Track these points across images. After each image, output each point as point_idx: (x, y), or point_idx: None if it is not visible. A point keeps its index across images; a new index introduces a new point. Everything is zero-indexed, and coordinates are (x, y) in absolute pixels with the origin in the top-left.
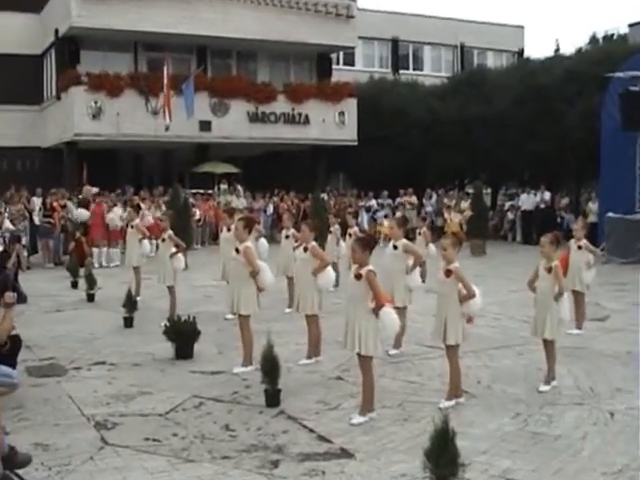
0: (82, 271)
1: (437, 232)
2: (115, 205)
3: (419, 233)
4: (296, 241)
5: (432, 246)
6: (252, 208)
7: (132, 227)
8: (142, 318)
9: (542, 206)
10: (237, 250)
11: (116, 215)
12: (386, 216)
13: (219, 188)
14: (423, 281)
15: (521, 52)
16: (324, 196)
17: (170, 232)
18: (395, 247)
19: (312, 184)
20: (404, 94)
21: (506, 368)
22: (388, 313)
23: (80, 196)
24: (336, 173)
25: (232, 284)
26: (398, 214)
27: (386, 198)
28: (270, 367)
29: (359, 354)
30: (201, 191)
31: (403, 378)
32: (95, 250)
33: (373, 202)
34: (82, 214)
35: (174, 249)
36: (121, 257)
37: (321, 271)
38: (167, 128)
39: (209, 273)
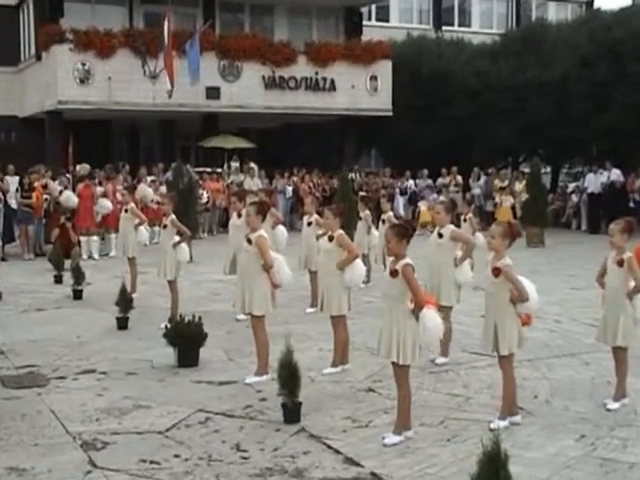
0: (68, 263)
1: (486, 219)
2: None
3: (464, 220)
4: (320, 229)
5: (480, 235)
6: (268, 190)
7: (126, 211)
8: (138, 319)
9: (613, 187)
10: (249, 240)
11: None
12: (422, 198)
13: (229, 166)
14: None
15: (590, 2)
16: (353, 176)
17: (172, 217)
18: (441, 235)
19: (339, 162)
20: (448, 55)
21: (569, 380)
22: (430, 315)
23: (68, 175)
24: (367, 149)
25: (243, 279)
26: (441, 197)
27: (426, 178)
28: (289, 377)
29: (394, 363)
30: (208, 169)
31: (446, 391)
32: (83, 239)
33: (410, 183)
34: (70, 198)
35: (177, 237)
36: (108, 246)
37: (349, 264)
38: (170, 94)
39: (217, 266)
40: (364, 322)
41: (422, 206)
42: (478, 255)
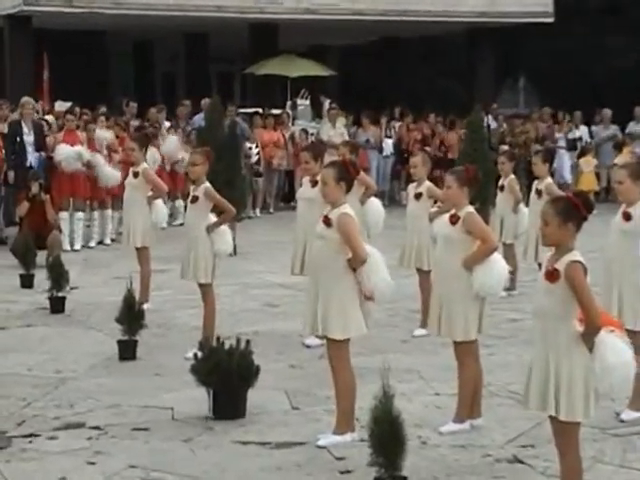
0: (42, 256)
1: None
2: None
3: None
4: (436, 204)
5: None
6: (355, 143)
7: (135, 176)
8: (152, 343)
9: None
10: (326, 220)
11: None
12: (583, 152)
13: (295, 105)
14: None
15: None
16: (489, 120)
17: (206, 186)
18: (627, 217)
19: (467, 98)
20: None
21: None
22: (611, 344)
23: (47, 117)
24: (512, 77)
25: (318, 283)
26: (628, 157)
27: (608, 123)
28: (387, 437)
29: (554, 418)
30: (260, 110)
31: None
32: (64, 215)
33: (582, 131)
34: (66, 153)
35: (213, 217)
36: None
37: (482, 261)
38: None
39: (278, 262)
40: (506, 352)
41: (585, 167)
42: None
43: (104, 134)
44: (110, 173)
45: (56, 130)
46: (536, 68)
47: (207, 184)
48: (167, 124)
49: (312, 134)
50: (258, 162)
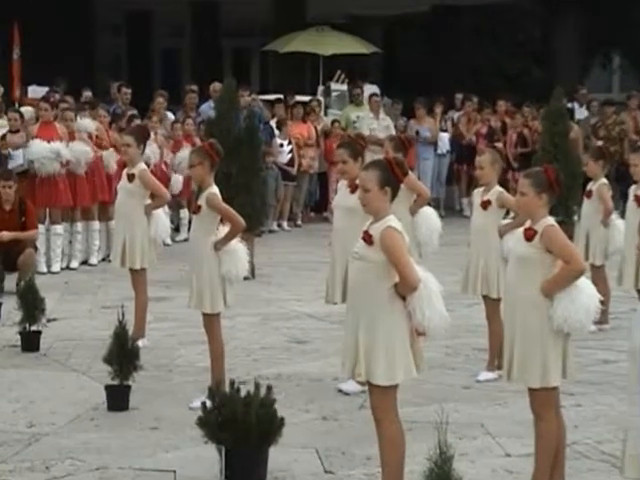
0: (12, 280)
1: None
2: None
3: None
4: (507, 215)
5: None
6: (404, 138)
7: (130, 179)
8: (149, 388)
9: None
10: (367, 236)
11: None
12: None
13: (329, 91)
14: None
15: None
16: (574, 108)
17: (210, 191)
18: None
19: (544, 81)
20: None
21: None
22: None
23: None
24: (603, 53)
25: (357, 315)
26: None
27: None
28: None
29: None
30: (279, 96)
31: None
32: (42, 230)
33: None
34: (41, 152)
35: (221, 231)
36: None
37: (565, 286)
38: None
39: (307, 288)
40: (597, 402)
41: None
42: None
43: (87, 124)
44: (80, 149)
45: (33, 122)
46: (635, 42)
47: (212, 189)
48: (170, 115)
49: (346, 126)
50: (291, 162)
